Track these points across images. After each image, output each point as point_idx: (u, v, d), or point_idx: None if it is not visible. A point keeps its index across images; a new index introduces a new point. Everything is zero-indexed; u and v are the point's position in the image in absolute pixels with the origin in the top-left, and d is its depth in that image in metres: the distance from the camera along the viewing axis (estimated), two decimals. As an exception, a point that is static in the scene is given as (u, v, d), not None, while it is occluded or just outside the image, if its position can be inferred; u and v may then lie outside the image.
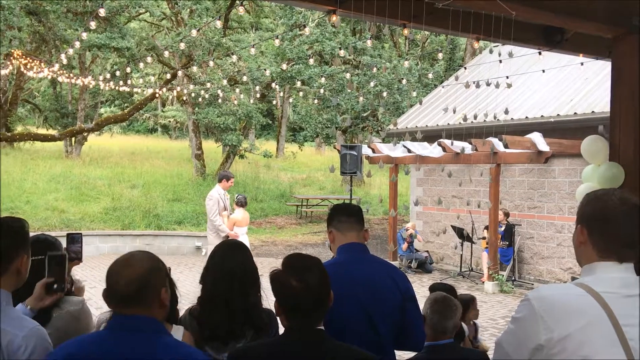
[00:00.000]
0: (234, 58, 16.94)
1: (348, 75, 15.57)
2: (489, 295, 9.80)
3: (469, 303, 4.16)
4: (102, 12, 6.02)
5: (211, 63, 14.81)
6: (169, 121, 42.40)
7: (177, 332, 2.22)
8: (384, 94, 17.66)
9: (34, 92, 33.51)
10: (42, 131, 26.13)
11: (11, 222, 2.01)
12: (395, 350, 2.64)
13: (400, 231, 11.90)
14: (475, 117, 8.74)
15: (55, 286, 2.22)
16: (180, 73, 19.53)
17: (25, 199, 15.83)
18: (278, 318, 1.99)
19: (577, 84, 10.88)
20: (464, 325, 3.69)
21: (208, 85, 17.08)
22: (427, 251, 12.46)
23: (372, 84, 16.49)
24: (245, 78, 16.64)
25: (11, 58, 17.94)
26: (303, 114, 22.61)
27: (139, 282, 1.71)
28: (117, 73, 17.29)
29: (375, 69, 16.73)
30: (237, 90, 18.74)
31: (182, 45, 15.25)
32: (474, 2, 3.89)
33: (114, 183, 18.48)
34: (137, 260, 1.76)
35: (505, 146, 9.08)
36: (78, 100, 25.14)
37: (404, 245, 11.75)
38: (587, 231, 1.71)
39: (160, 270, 1.80)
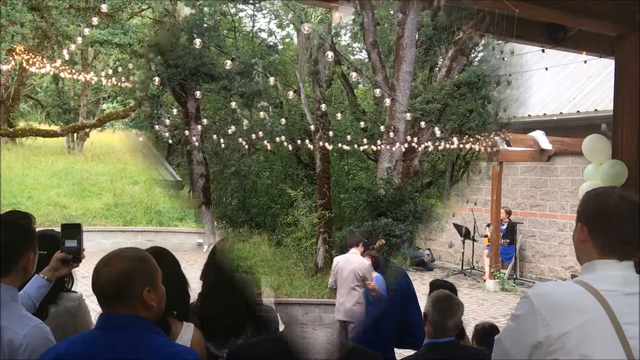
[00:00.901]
0: (236, 54, 16.89)
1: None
2: (490, 293, 9.79)
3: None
4: (104, 8, 6.01)
5: (213, 59, 14.81)
6: (171, 118, 42.32)
7: (188, 329, 2.20)
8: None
9: (36, 88, 33.50)
10: (45, 127, 26.09)
11: (18, 219, 2.00)
12: (394, 348, 2.64)
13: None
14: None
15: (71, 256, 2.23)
16: (182, 69, 19.44)
17: (27, 194, 15.86)
18: (278, 314, 1.99)
19: (580, 82, 10.84)
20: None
21: (210, 81, 16.99)
22: (429, 249, 12.45)
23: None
24: (247, 74, 16.59)
25: (13, 54, 17.92)
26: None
27: (115, 282, 1.67)
28: (120, 69, 17.23)
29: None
30: (239, 86, 18.67)
31: (185, 42, 15.20)
32: (478, 0, 3.88)
33: (115, 179, 18.48)
34: (117, 260, 1.71)
35: (508, 144, 9.06)
36: (80, 96, 25.13)
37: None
38: (588, 229, 1.70)
39: (143, 270, 1.72)
